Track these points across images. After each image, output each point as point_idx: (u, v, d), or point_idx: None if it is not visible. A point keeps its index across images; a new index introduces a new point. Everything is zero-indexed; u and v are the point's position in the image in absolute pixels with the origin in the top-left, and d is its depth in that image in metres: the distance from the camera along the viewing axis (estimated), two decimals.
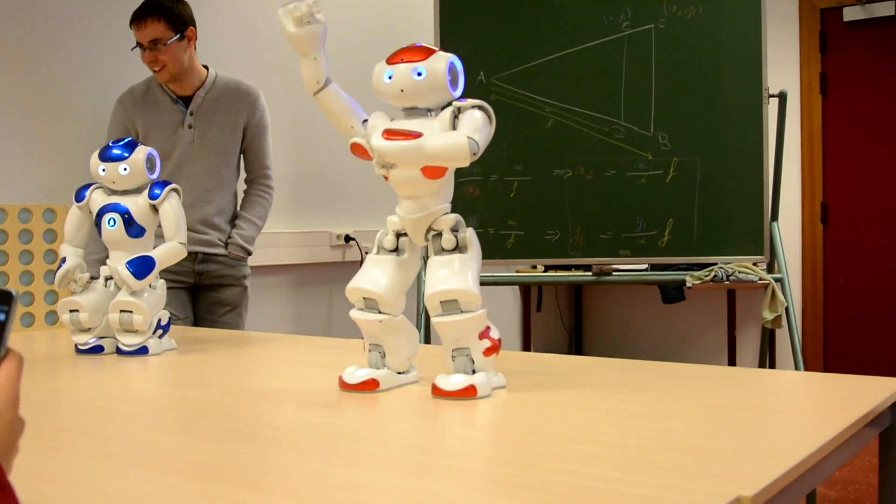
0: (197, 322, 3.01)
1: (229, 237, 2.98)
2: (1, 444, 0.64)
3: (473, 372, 1.19)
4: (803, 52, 5.10)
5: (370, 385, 1.22)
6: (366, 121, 1.26)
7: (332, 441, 0.96)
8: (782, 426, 1.04)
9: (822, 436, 0.94)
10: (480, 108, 1.19)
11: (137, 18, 2.80)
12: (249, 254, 3.03)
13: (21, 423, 0.67)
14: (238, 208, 3.07)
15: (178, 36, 2.82)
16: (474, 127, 1.17)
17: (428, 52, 1.22)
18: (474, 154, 1.14)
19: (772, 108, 3.55)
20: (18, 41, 2.82)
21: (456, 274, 1.19)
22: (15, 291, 0.66)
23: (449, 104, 1.22)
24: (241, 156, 3.06)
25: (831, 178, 5.08)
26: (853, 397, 1.16)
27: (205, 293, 3.01)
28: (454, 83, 1.22)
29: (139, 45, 2.81)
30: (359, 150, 1.22)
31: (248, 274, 3.07)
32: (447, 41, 3.52)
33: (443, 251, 1.22)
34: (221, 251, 2.96)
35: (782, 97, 3.60)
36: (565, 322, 5.85)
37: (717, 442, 0.93)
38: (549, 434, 0.97)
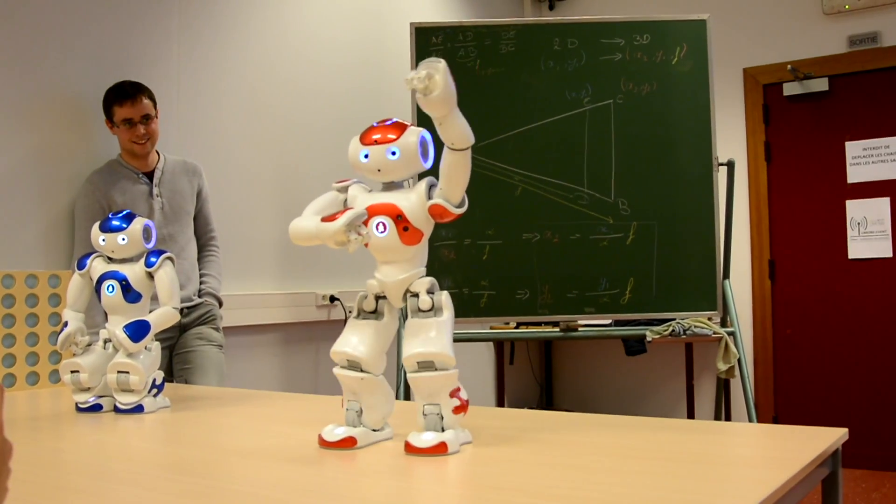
0: (182, 351, 3.05)
1: (201, 289, 3.14)
2: None
3: (443, 429, 1.18)
4: (749, 123, 5.18)
5: (348, 443, 1.20)
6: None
7: (313, 499, 0.95)
8: (735, 477, 1.04)
9: (771, 485, 0.93)
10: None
11: (130, 96, 2.86)
12: (221, 303, 3.20)
13: (9, 445, 0.67)
14: (200, 266, 3.20)
15: (156, 113, 2.97)
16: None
17: (400, 129, 1.21)
18: (466, 152, 1.18)
19: (721, 175, 3.61)
20: (29, 109, 2.83)
21: (433, 338, 1.18)
22: None
23: (424, 174, 1.22)
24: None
25: (777, 238, 5.13)
26: (799, 447, 1.16)
27: (190, 330, 3.07)
28: (425, 155, 1.22)
29: (126, 120, 2.85)
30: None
31: (222, 316, 3.20)
32: (424, 117, 3.55)
33: (419, 311, 1.21)
34: (198, 300, 3.10)
35: (731, 165, 3.65)
36: (536, 374, 5.83)
37: (677, 494, 0.93)
38: (514, 489, 0.96)
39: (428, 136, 1.23)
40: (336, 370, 1.24)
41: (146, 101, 2.90)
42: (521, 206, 3.57)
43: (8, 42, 2.78)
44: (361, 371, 1.22)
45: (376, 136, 1.21)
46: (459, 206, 1.21)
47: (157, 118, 2.94)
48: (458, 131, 1.16)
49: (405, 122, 1.23)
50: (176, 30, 3.34)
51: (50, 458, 1.26)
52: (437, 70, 1.09)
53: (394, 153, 1.19)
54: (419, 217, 1.21)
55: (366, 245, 1.22)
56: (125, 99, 2.86)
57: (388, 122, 1.23)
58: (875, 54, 4.79)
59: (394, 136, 1.20)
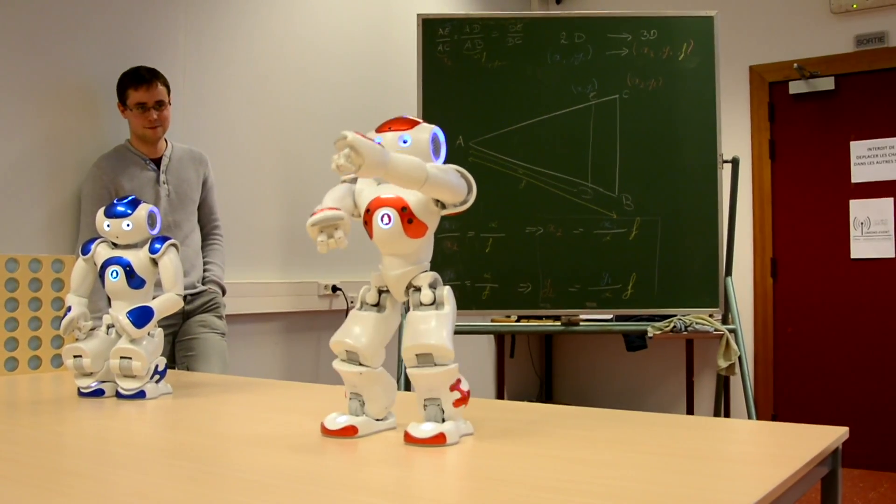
0: (185, 339, 3.06)
1: (205, 277, 3.15)
2: None
3: (443, 420, 1.18)
4: (754, 121, 5.17)
5: (349, 431, 1.21)
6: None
7: (313, 486, 0.95)
8: (734, 474, 1.03)
9: (771, 482, 0.93)
10: (457, 169, 1.19)
11: (146, 81, 2.87)
12: (224, 291, 3.20)
13: None
14: (203, 255, 3.20)
15: (169, 100, 2.99)
16: (441, 167, 1.17)
17: (413, 123, 1.22)
18: (428, 178, 1.12)
19: (726, 172, 3.60)
20: (38, 96, 2.83)
21: (432, 330, 1.18)
22: None
23: None
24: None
25: (780, 236, 5.12)
26: (799, 445, 1.16)
27: (193, 318, 3.08)
28: (436, 152, 1.22)
29: (140, 105, 2.85)
30: None
31: (225, 304, 3.21)
32: (429, 108, 3.56)
33: (421, 305, 1.21)
34: (202, 288, 3.11)
35: (735, 162, 3.64)
36: (536, 368, 5.83)
37: (676, 489, 0.93)
38: (514, 481, 0.96)
39: (440, 134, 1.23)
40: (335, 364, 1.24)
41: (161, 88, 2.92)
42: (524, 199, 3.57)
43: (16, 28, 2.78)
44: (360, 364, 1.22)
45: (390, 126, 1.22)
46: (461, 203, 1.20)
47: (169, 105, 2.96)
48: (443, 185, 1.15)
49: (418, 119, 1.24)
50: (183, 18, 3.33)
51: (51, 442, 1.26)
52: (350, 142, 1.03)
53: (405, 141, 1.19)
54: (424, 210, 1.20)
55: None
56: (141, 83, 2.87)
57: (403, 117, 1.24)
58: (882, 54, 4.78)
59: (406, 128, 1.21)
